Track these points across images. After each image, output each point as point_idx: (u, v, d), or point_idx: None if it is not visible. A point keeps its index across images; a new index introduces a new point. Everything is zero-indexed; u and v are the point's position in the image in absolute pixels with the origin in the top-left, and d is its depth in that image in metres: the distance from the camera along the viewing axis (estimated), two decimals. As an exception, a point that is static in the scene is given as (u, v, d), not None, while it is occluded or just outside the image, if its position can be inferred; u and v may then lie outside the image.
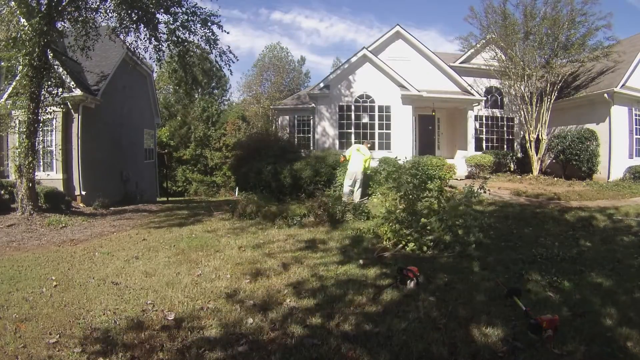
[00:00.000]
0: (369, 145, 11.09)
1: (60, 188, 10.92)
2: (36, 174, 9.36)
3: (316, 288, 4.20)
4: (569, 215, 8.02)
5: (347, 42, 66.43)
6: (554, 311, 3.41)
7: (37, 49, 8.47)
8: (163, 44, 10.19)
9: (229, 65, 10.80)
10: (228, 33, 10.71)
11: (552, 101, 14.20)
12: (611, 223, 7.37)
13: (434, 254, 5.36)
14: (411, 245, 5.53)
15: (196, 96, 30.51)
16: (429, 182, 6.37)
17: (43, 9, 8.51)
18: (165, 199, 19.11)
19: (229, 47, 10.69)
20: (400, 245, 5.60)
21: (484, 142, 16.72)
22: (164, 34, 10.11)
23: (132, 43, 10.29)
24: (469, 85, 15.49)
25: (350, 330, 3.24)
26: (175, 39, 10.15)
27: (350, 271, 4.73)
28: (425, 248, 5.43)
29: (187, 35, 10.24)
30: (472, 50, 16.28)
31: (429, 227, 5.65)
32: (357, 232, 6.68)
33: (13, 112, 9.88)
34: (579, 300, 3.79)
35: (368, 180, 10.59)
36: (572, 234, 6.55)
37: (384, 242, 5.84)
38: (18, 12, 8.53)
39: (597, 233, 6.65)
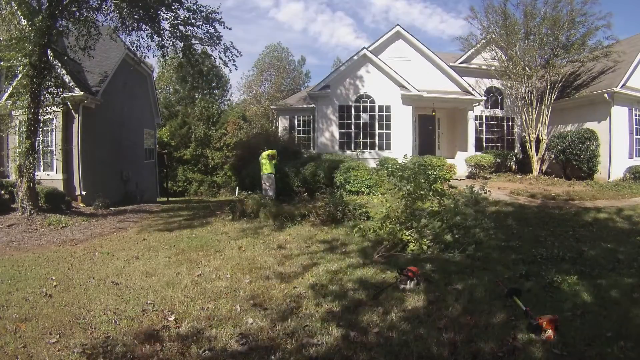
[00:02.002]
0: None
1: (61, 188, 10.92)
2: (36, 174, 9.36)
3: (315, 288, 4.20)
4: (569, 215, 8.01)
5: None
6: (554, 311, 3.41)
7: (37, 49, 8.48)
8: (167, 41, 10.26)
9: (234, 61, 11.00)
10: (230, 29, 10.82)
11: (552, 101, 14.19)
12: (612, 223, 7.36)
13: (434, 254, 5.35)
14: (412, 245, 5.53)
15: (197, 95, 30.53)
16: (435, 182, 6.31)
17: (44, 9, 8.53)
18: (165, 199, 19.09)
19: (232, 42, 10.93)
20: (401, 245, 5.60)
21: (484, 142, 16.70)
22: (166, 30, 10.18)
23: (134, 42, 10.38)
24: (470, 85, 15.47)
25: (350, 330, 3.24)
26: (179, 34, 10.22)
27: (351, 271, 4.73)
28: (425, 248, 5.43)
29: (189, 31, 10.33)
30: (473, 50, 16.27)
31: (429, 227, 5.65)
32: (357, 232, 6.66)
33: (13, 112, 9.89)
34: (579, 300, 3.79)
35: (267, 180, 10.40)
36: (572, 234, 6.55)
37: (385, 242, 5.83)
38: (19, 12, 8.54)
39: (597, 233, 6.64)
